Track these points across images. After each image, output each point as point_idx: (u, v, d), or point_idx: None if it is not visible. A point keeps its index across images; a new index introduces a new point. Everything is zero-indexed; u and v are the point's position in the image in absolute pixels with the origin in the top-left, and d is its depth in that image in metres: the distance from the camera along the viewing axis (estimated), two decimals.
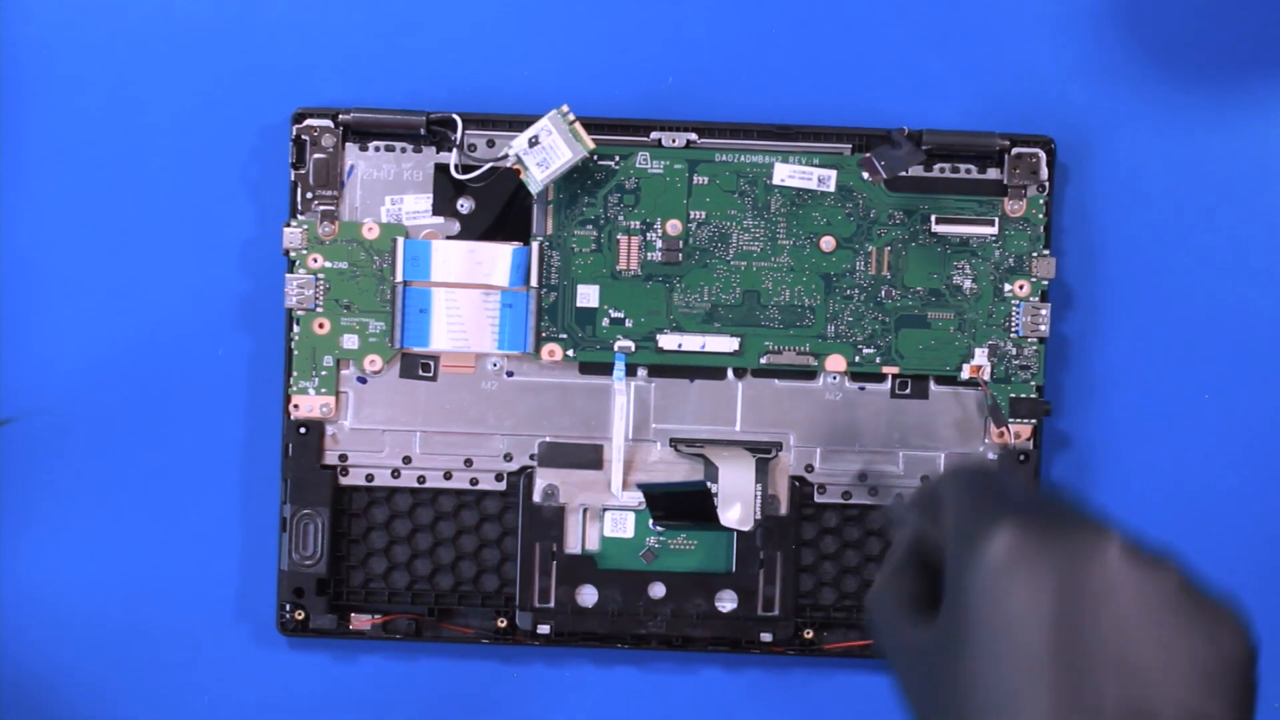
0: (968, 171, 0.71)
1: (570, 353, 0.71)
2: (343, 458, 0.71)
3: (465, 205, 0.71)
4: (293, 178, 0.70)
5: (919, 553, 0.48)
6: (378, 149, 0.71)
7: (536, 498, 0.71)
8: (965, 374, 0.71)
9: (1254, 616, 0.77)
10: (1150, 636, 0.43)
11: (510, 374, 0.71)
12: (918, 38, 0.72)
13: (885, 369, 0.71)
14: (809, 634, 0.71)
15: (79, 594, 0.73)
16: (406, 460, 0.71)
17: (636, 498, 0.71)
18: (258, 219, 0.72)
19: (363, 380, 0.71)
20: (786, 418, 0.71)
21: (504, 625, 0.71)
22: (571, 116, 0.68)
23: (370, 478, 0.71)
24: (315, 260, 0.70)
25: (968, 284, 0.71)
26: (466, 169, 0.70)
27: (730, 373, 0.71)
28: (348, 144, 0.71)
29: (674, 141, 0.71)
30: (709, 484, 0.70)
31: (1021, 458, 0.71)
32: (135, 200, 0.72)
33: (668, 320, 0.71)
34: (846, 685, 0.73)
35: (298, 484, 0.70)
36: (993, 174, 0.71)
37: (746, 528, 0.70)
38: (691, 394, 0.71)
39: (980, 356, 0.71)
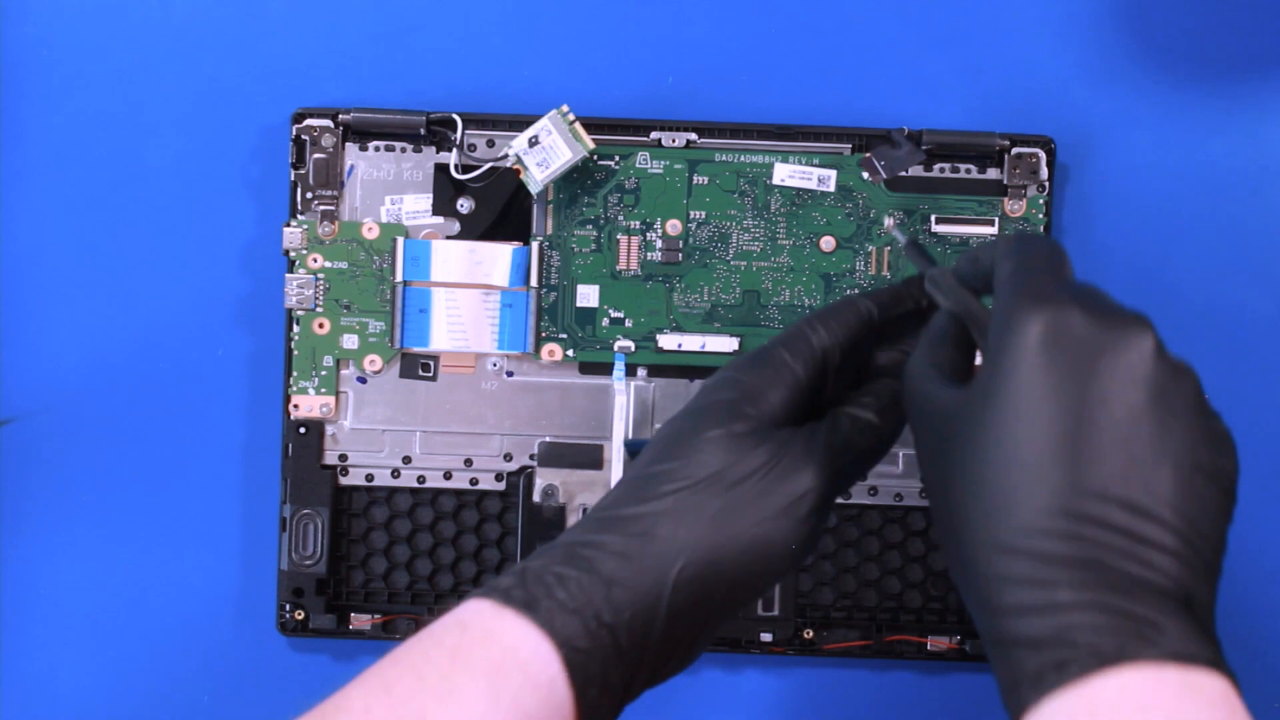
0: (968, 171, 0.71)
1: (570, 353, 0.71)
2: (343, 458, 0.71)
3: (465, 205, 0.71)
4: (293, 178, 0.70)
5: (958, 326, 0.50)
6: (378, 149, 0.71)
7: (536, 498, 0.71)
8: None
9: (1254, 617, 0.77)
10: (1161, 432, 0.44)
11: (510, 374, 0.71)
12: (918, 38, 0.72)
13: None
14: (809, 634, 0.71)
15: (79, 594, 0.73)
16: (406, 460, 0.71)
17: None
18: (258, 219, 0.72)
19: (363, 380, 0.71)
20: None
21: None
22: (571, 116, 0.68)
23: (370, 478, 0.71)
24: (315, 260, 0.70)
25: None
26: (466, 169, 0.70)
27: None
28: (348, 144, 0.71)
29: (674, 141, 0.71)
30: None
31: None
32: (135, 200, 0.72)
33: (668, 320, 0.71)
34: (846, 685, 0.73)
35: (298, 484, 0.70)
36: (993, 174, 0.71)
37: None
38: (691, 394, 0.71)
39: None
